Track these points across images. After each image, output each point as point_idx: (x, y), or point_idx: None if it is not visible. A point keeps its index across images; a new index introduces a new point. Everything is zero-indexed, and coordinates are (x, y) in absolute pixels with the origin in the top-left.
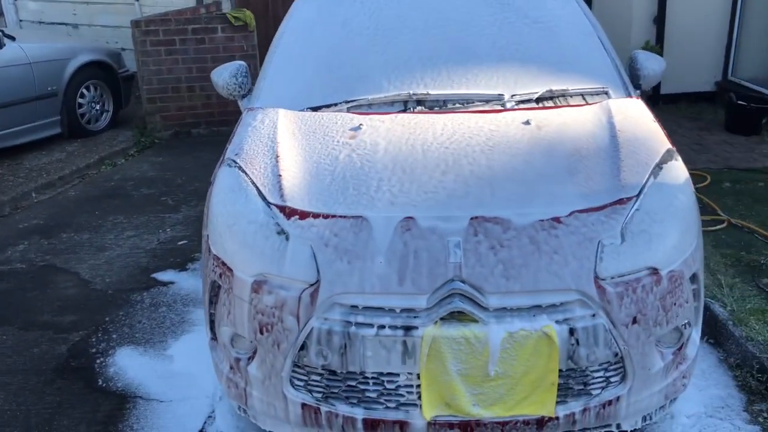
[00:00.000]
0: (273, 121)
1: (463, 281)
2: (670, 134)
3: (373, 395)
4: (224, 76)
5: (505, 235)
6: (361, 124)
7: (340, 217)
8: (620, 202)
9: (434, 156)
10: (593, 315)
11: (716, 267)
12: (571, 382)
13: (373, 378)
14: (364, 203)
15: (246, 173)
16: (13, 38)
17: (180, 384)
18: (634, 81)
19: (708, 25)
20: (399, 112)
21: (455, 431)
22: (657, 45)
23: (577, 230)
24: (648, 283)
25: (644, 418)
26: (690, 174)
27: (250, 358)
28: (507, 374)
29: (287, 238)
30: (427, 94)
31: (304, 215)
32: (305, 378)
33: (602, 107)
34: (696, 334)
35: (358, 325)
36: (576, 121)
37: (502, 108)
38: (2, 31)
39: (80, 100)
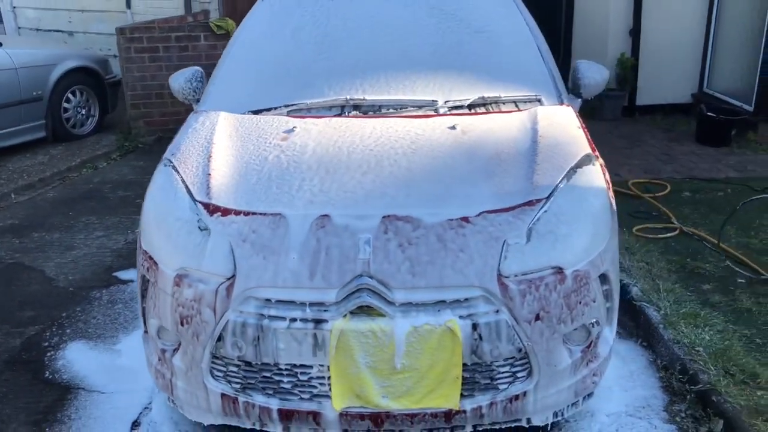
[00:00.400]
0: (213, 124)
1: (371, 276)
2: (641, 145)
3: (288, 386)
4: (180, 81)
5: (414, 233)
6: (294, 127)
7: (260, 214)
8: (530, 203)
9: (358, 158)
10: (496, 311)
11: (659, 273)
12: (478, 376)
13: (286, 369)
14: (284, 201)
15: (178, 172)
16: None
17: (123, 377)
18: (576, 90)
19: (683, 38)
20: (335, 116)
21: (366, 422)
22: (633, 57)
23: (483, 230)
24: (552, 281)
25: (555, 414)
26: (651, 183)
27: (175, 350)
28: (413, 367)
29: (209, 234)
30: (363, 99)
31: (226, 212)
32: (224, 369)
33: (529, 114)
34: (609, 333)
35: (271, 317)
36: (501, 126)
37: (435, 113)
38: None
39: (66, 105)
